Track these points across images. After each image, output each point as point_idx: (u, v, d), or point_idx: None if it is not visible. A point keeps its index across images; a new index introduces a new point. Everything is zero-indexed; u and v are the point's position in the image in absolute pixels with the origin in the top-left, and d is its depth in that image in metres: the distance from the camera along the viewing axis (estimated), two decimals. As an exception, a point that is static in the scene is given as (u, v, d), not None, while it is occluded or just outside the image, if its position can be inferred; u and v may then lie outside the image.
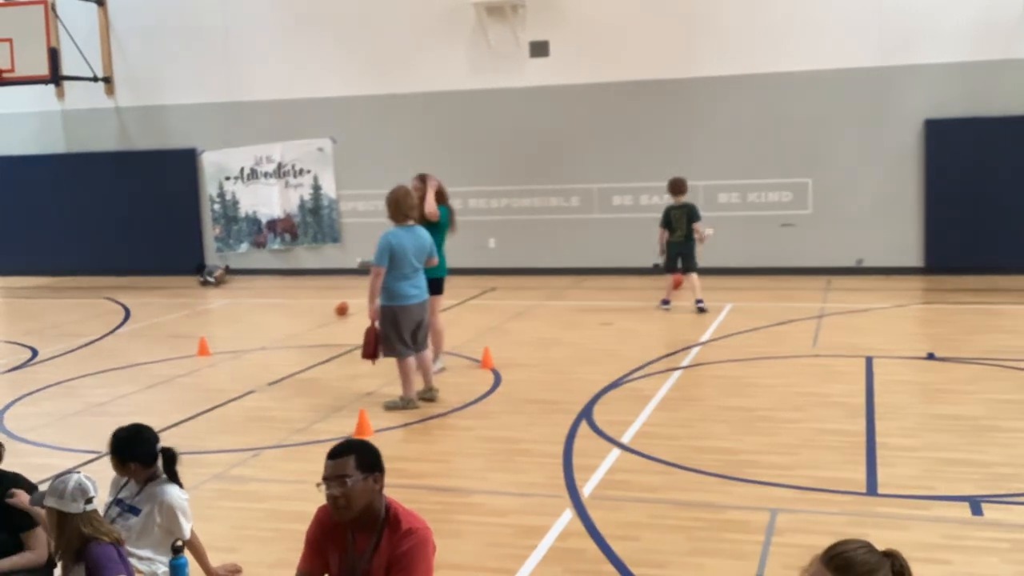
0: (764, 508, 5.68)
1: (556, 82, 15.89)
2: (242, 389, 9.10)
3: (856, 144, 14.85)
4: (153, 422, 5.04)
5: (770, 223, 15.29)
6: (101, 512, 4.18)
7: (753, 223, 15.31)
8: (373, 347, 8.20)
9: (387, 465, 3.78)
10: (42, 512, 4.22)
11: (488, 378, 9.23)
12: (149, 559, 4.57)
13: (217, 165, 17.78)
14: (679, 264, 12.55)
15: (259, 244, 17.82)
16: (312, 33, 16.84)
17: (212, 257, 17.90)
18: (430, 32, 16.33)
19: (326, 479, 3.65)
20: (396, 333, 8.16)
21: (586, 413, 7.84)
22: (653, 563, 5.01)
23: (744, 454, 6.70)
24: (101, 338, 12.05)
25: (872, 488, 5.99)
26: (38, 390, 9.39)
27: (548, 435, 7.28)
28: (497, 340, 10.78)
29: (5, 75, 16.15)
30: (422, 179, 9.37)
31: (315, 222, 17.49)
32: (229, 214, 17.88)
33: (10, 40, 15.96)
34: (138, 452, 4.70)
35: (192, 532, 4.71)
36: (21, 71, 16.11)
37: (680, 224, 12.44)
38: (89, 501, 3.96)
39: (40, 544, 4.48)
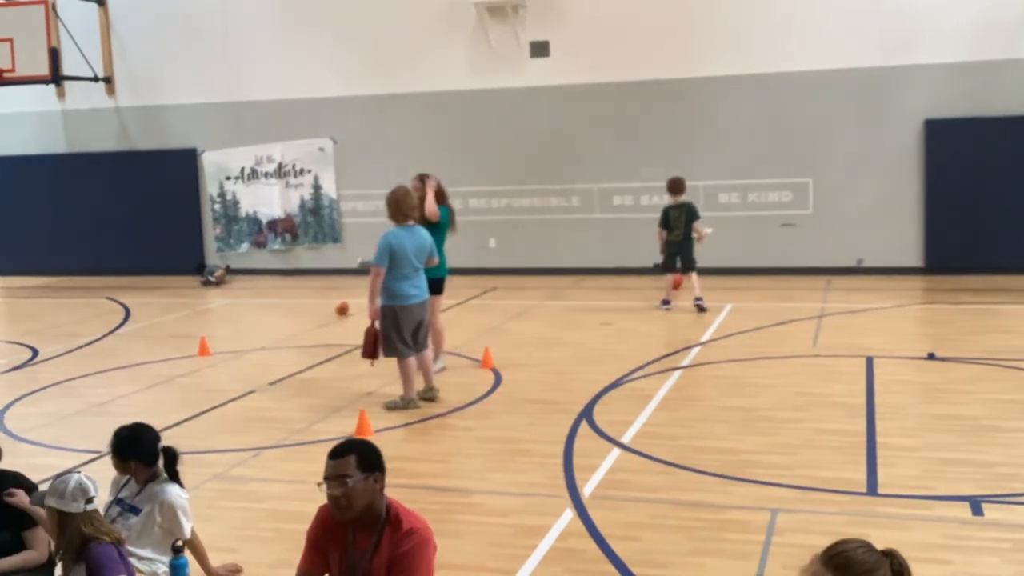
0: (764, 508, 5.68)
1: (556, 82, 15.89)
2: (242, 389, 9.10)
3: (856, 144, 14.85)
4: (153, 422, 5.04)
5: (770, 223, 15.29)
6: (101, 512, 4.18)
7: (753, 223, 15.31)
8: (372, 347, 8.21)
9: (387, 465, 3.78)
10: (42, 512, 4.22)
11: (488, 378, 9.23)
12: (150, 559, 4.57)
13: (217, 165, 17.78)
14: (678, 264, 12.56)
15: (259, 244, 17.82)
16: (312, 33, 16.84)
17: (213, 257, 17.90)
18: (431, 32, 16.33)
19: (327, 479, 3.65)
20: (397, 333, 8.16)
21: (586, 413, 7.85)
22: (653, 563, 5.01)
23: (744, 454, 6.70)
24: (101, 338, 12.05)
25: (872, 488, 5.99)
26: (38, 390, 9.39)
27: (548, 435, 7.28)
28: (497, 340, 10.79)
29: (5, 75, 16.15)
30: (422, 179, 9.37)
31: (315, 222, 17.49)
32: (230, 214, 17.88)
33: (10, 40, 15.96)
34: (140, 451, 4.70)
35: (192, 532, 4.72)
36: (21, 71, 16.11)
37: (679, 224, 12.44)
38: (90, 501, 3.96)
39: (41, 543, 4.48)
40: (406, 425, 7.85)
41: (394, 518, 3.70)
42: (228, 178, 17.77)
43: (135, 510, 4.66)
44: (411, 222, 8.31)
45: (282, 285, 16.45)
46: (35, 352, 11.22)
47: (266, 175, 17.62)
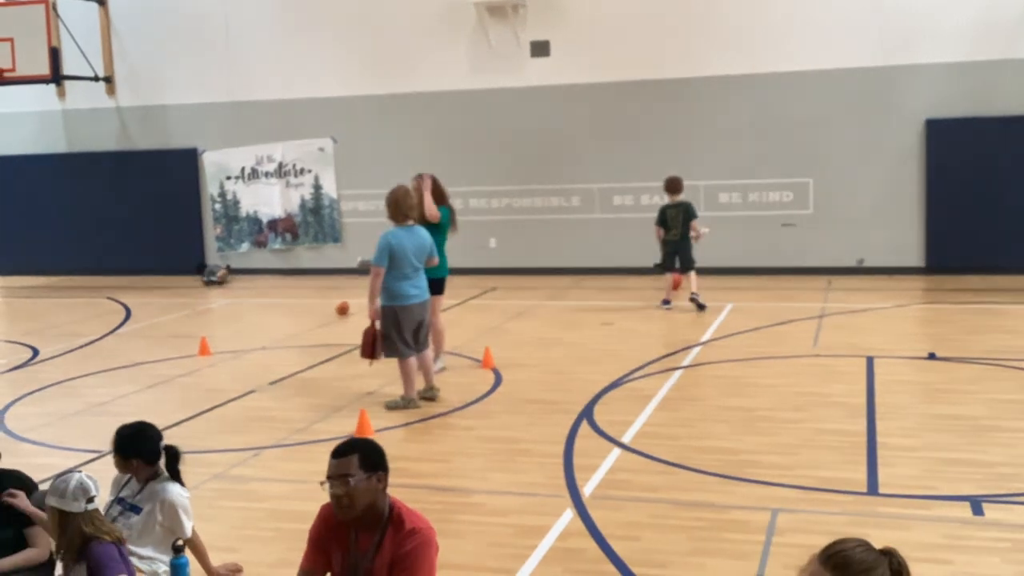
0: (765, 508, 5.68)
1: (557, 82, 15.89)
2: (242, 389, 9.10)
3: (856, 144, 14.85)
4: (154, 422, 5.02)
5: (771, 223, 15.29)
6: (102, 511, 4.18)
7: (754, 223, 15.31)
8: (371, 347, 8.21)
9: (388, 465, 3.78)
10: (42, 513, 4.22)
11: (489, 378, 9.23)
12: (150, 558, 4.57)
13: (218, 165, 17.78)
14: (676, 263, 12.57)
15: (260, 244, 17.82)
16: (312, 33, 16.85)
17: (213, 257, 17.90)
18: (431, 32, 16.33)
19: (330, 477, 3.64)
20: (397, 333, 8.16)
21: (587, 413, 7.85)
22: (654, 563, 5.01)
23: (745, 454, 6.70)
24: (102, 338, 12.05)
25: (873, 488, 5.99)
26: (39, 390, 9.40)
27: (549, 435, 7.28)
28: (498, 340, 10.79)
29: (6, 74, 16.16)
30: (420, 179, 9.34)
31: (316, 222, 17.49)
32: (230, 214, 17.89)
33: (11, 39, 15.96)
34: (142, 449, 4.70)
35: (193, 531, 4.72)
36: (22, 70, 16.12)
37: (676, 223, 12.45)
38: (90, 500, 3.97)
39: (42, 541, 4.48)
40: (406, 425, 7.85)
41: (397, 518, 3.69)
42: (228, 178, 17.77)
43: (136, 509, 4.67)
44: (411, 222, 8.31)
45: (282, 285, 16.46)
46: (35, 352, 11.23)
47: (266, 175, 17.62)
